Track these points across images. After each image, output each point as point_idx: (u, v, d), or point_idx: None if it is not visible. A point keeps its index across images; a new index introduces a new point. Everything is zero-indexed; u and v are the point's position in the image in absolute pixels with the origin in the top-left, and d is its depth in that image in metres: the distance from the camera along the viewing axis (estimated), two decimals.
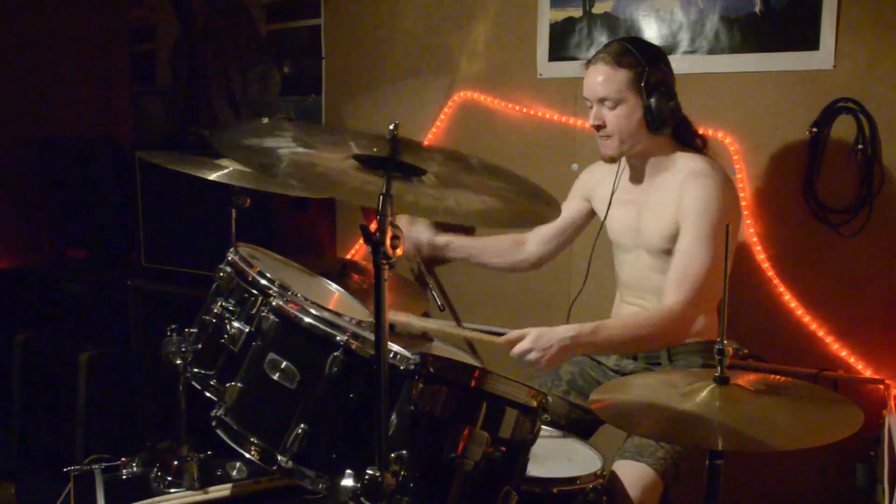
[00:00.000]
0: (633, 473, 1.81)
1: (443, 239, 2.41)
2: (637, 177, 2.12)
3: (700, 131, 2.15)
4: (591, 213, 2.33)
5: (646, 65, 1.95)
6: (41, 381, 3.39)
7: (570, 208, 2.34)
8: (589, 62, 2.02)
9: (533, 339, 1.75)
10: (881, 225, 2.36)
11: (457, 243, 2.43)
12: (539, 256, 2.41)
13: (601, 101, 1.98)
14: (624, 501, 1.77)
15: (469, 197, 1.45)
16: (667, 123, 1.98)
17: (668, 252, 2.02)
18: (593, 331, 1.82)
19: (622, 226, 2.15)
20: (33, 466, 3.28)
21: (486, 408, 1.43)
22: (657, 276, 2.06)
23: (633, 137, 1.99)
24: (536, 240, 2.39)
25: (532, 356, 1.75)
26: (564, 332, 1.77)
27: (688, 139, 2.10)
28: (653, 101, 1.95)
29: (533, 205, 1.47)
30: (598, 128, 2.00)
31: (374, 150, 1.30)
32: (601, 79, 1.97)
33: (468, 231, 3.08)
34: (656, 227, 2.03)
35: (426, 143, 3.13)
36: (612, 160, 2.07)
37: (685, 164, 2.03)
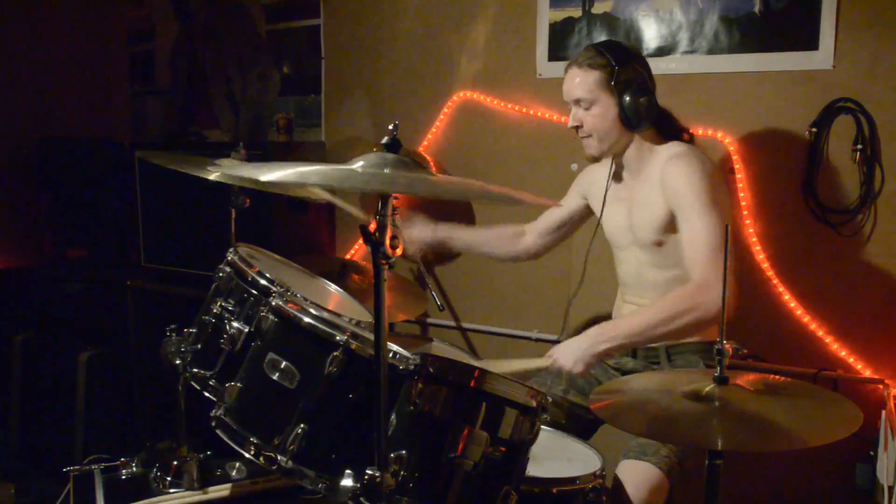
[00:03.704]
0: (638, 473, 1.82)
1: (443, 232, 2.50)
2: (624, 174, 2.16)
3: (689, 128, 2.17)
4: (589, 211, 2.36)
5: (616, 64, 2.00)
6: (41, 381, 3.39)
7: (569, 204, 2.39)
8: (566, 68, 2.10)
9: (559, 357, 1.92)
10: (881, 225, 2.36)
11: (458, 235, 2.52)
12: (538, 248, 2.48)
13: (577, 102, 2.06)
14: (629, 502, 1.77)
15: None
16: (643, 119, 2.02)
17: (659, 244, 2.05)
18: (614, 325, 1.96)
19: (615, 224, 2.19)
20: (33, 466, 3.28)
21: (486, 408, 1.42)
22: (653, 271, 2.08)
23: (611, 136, 2.05)
24: (536, 232, 2.46)
25: (567, 368, 1.91)
26: (581, 338, 1.92)
27: (673, 134, 2.12)
28: (625, 98, 2.00)
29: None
30: (577, 128, 2.08)
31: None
32: (575, 81, 2.05)
33: (468, 222, 3.10)
34: (646, 221, 2.06)
35: (426, 142, 3.14)
36: (595, 159, 2.13)
37: (665, 151, 2.07)
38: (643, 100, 2.00)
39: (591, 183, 2.30)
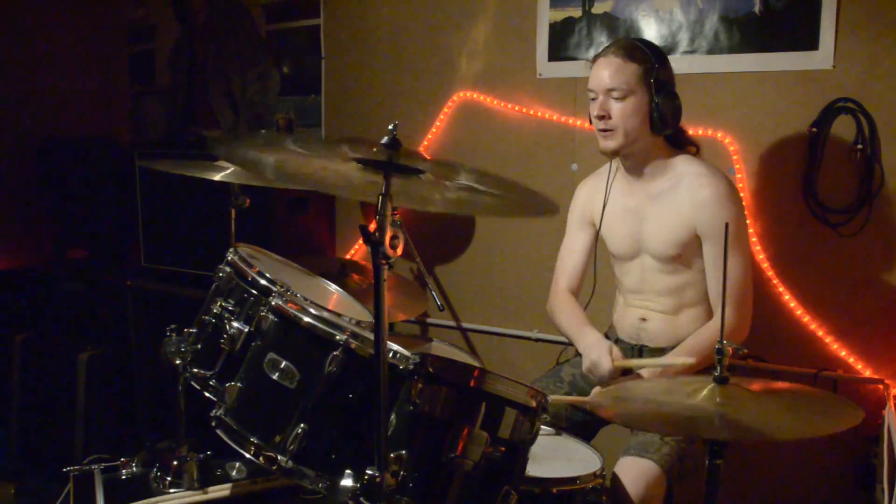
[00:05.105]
0: (636, 469, 1.81)
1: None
2: (633, 182, 2.10)
3: (690, 133, 2.15)
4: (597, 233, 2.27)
5: (655, 62, 1.95)
6: (41, 381, 3.38)
7: (582, 240, 2.26)
8: (596, 56, 2.02)
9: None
10: (881, 225, 2.36)
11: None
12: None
13: (609, 91, 1.96)
14: (627, 498, 1.77)
15: (465, 194, 1.46)
16: (668, 124, 1.97)
17: (677, 257, 2.02)
18: (665, 371, 1.95)
19: (622, 235, 2.13)
20: (33, 466, 3.28)
21: (486, 408, 1.43)
22: (663, 277, 2.06)
23: (636, 133, 1.97)
24: (579, 284, 2.27)
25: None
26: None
27: (682, 144, 2.10)
28: (660, 98, 1.94)
29: (526, 199, 1.48)
30: (602, 118, 1.98)
31: (374, 149, 1.30)
32: (611, 70, 1.95)
33: (468, 225, 3.10)
34: (664, 236, 2.02)
35: (426, 142, 3.14)
36: (613, 154, 2.04)
37: (685, 168, 2.03)
38: (677, 103, 1.97)
39: (592, 200, 2.22)
